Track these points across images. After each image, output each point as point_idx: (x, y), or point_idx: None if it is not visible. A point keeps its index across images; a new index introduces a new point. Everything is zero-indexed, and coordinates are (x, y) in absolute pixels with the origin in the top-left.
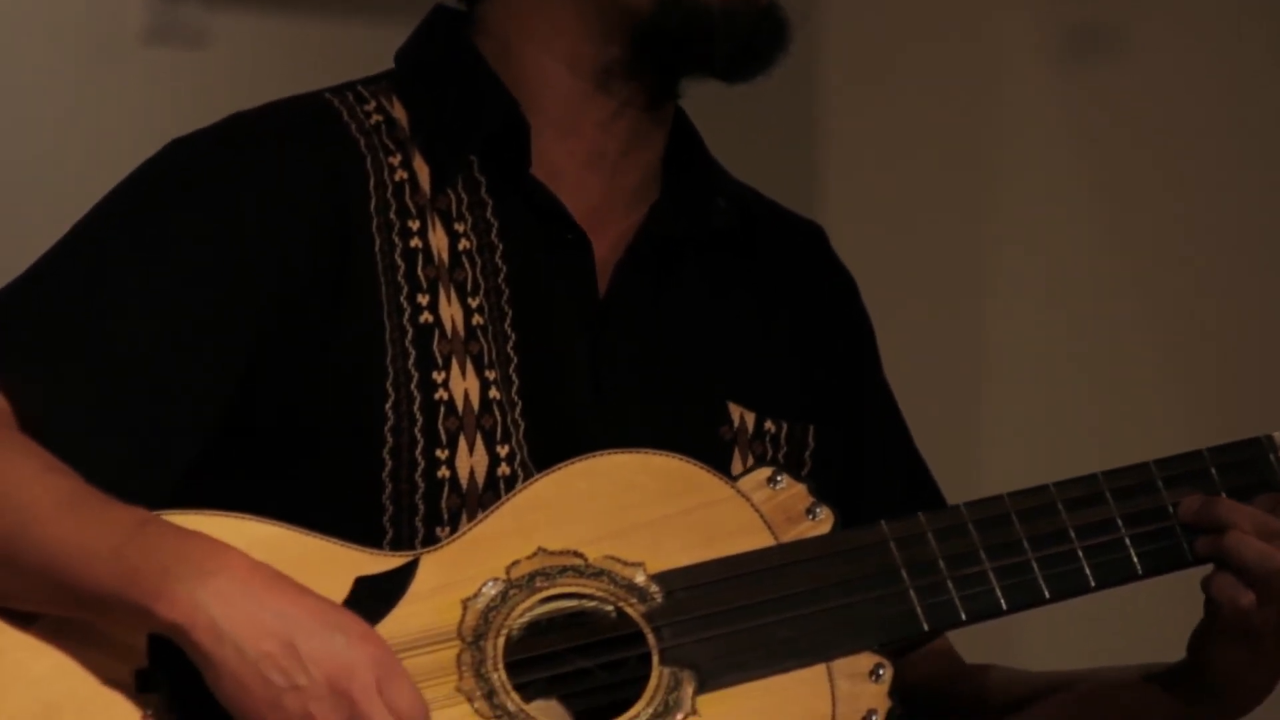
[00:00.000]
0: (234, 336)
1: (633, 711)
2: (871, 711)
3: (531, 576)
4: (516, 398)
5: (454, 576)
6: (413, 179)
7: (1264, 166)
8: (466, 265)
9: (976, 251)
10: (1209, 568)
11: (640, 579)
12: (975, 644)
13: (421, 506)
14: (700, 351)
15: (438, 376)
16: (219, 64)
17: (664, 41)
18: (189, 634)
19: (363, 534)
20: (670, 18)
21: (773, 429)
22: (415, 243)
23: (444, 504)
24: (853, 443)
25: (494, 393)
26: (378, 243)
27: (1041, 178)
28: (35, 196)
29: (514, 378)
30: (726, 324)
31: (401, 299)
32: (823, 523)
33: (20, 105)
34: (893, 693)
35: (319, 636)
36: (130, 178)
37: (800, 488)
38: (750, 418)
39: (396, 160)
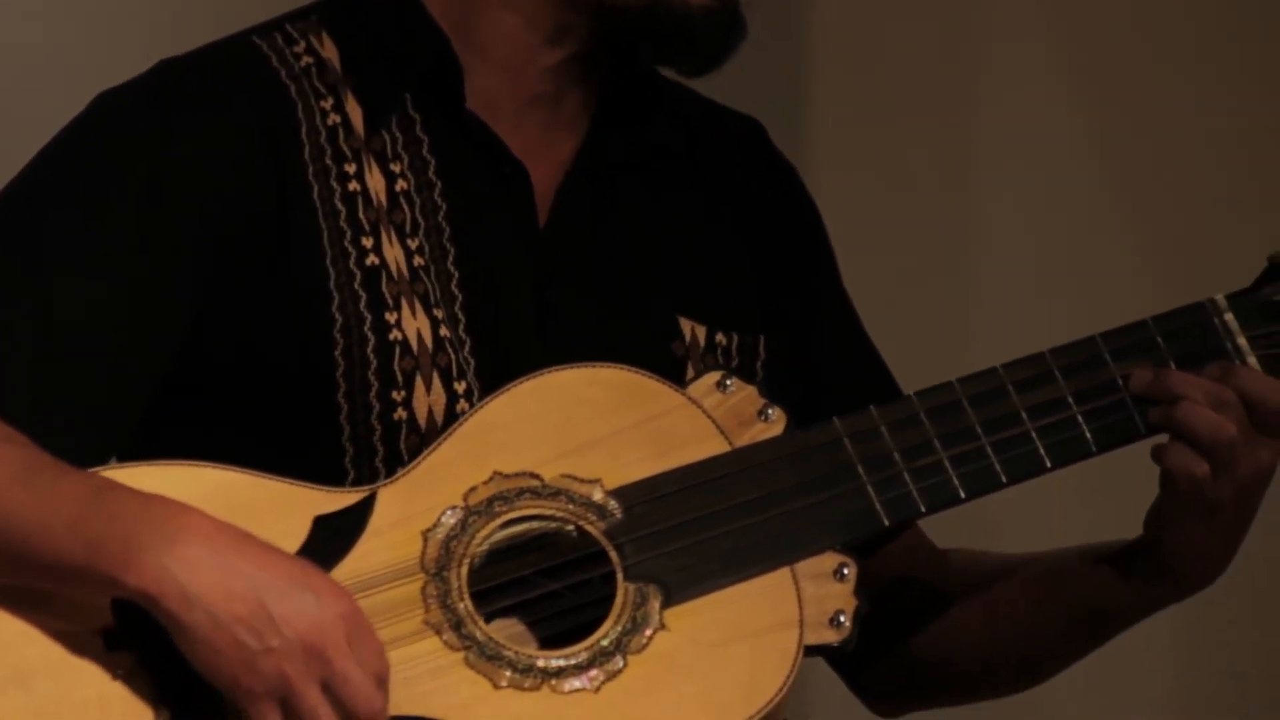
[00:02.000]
0: (175, 290)
1: (601, 630)
2: (839, 612)
3: (490, 502)
4: (464, 335)
5: (412, 509)
6: (345, 121)
7: (1243, 72)
8: (404, 206)
9: (964, 152)
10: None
11: (598, 496)
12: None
13: (381, 448)
14: (647, 269)
15: (390, 317)
16: None
17: (645, 37)
18: (159, 602)
19: (326, 477)
20: (658, 21)
21: (724, 341)
22: (353, 186)
23: (403, 444)
24: (805, 343)
25: (444, 331)
26: (315, 189)
27: (1026, 87)
28: None
29: (460, 315)
30: (673, 238)
31: (346, 243)
32: (775, 424)
33: None
34: (858, 591)
35: (289, 596)
36: (61, 135)
37: (750, 390)
38: (701, 331)
39: (328, 104)
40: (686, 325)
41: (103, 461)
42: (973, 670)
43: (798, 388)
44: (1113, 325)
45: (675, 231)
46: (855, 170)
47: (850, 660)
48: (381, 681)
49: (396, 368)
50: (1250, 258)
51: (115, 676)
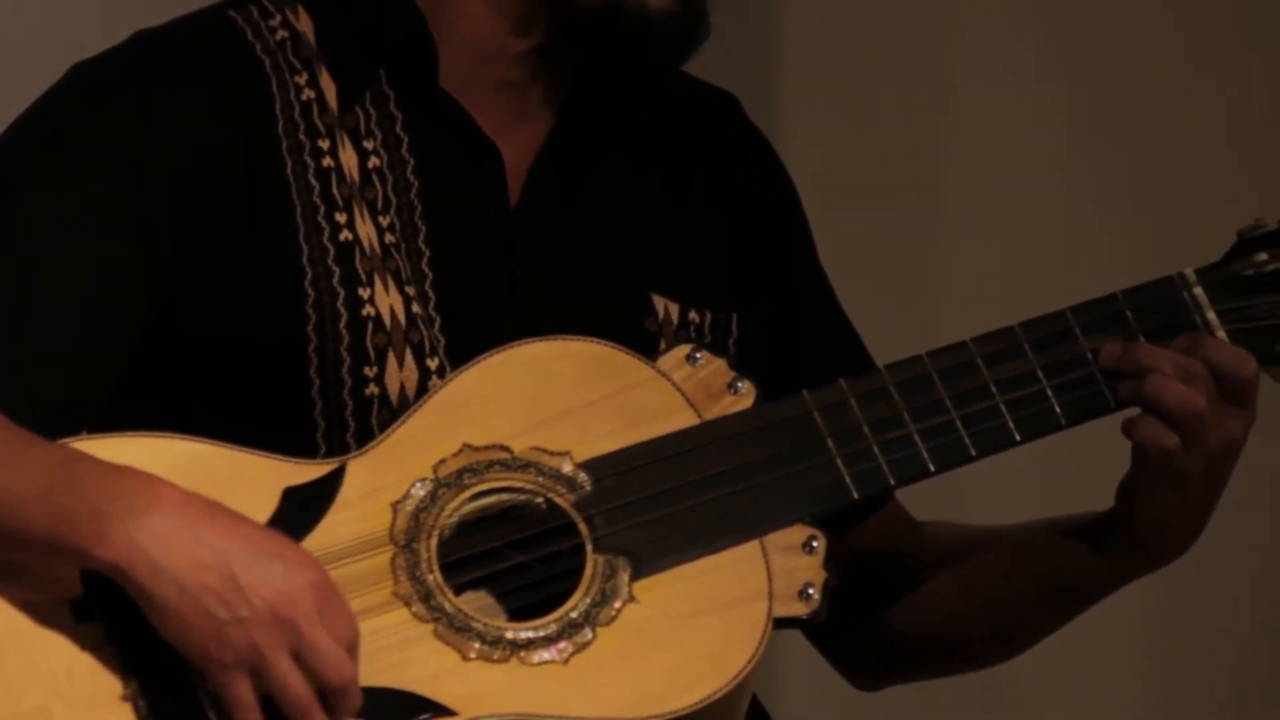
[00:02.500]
0: (146, 264)
1: (570, 602)
2: (808, 585)
3: (459, 474)
4: (434, 313)
5: (381, 480)
6: (320, 97)
7: (1212, 42)
8: (377, 183)
9: (934, 124)
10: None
11: (568, 468)
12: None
13: (353, 423)
14: (620, 246)
15: (363, 293)
16: None
17: (603, 37)
18: (128, 574)
19: (298, 451)
20: (612, 25)
21: (696, 319)
22: (327, 162)
23: (375, 420)
24: (781, 320)
25: (416, 308)
26: (289, 165)
27: (998, 57)
28: None
29: (430, 294)
30: (646, 214)
31: (320, 218)
32: (745, 396)
33: None
34: (828, 563)
35: (258, 566)
36: (35, 106)
37: (720, 363)
38: (674, 309)
39: (303, 79)
40: (659, 302)
41: (74, 434)
42: (947, 642)
43: (773, 365)
44: (1083, 299)
45: (648, 209)
46: (825, 142)
47: (828, 634)
48: (352, 650)
49: (369, 343)
50: (1220, 234)
51: (84, 648)
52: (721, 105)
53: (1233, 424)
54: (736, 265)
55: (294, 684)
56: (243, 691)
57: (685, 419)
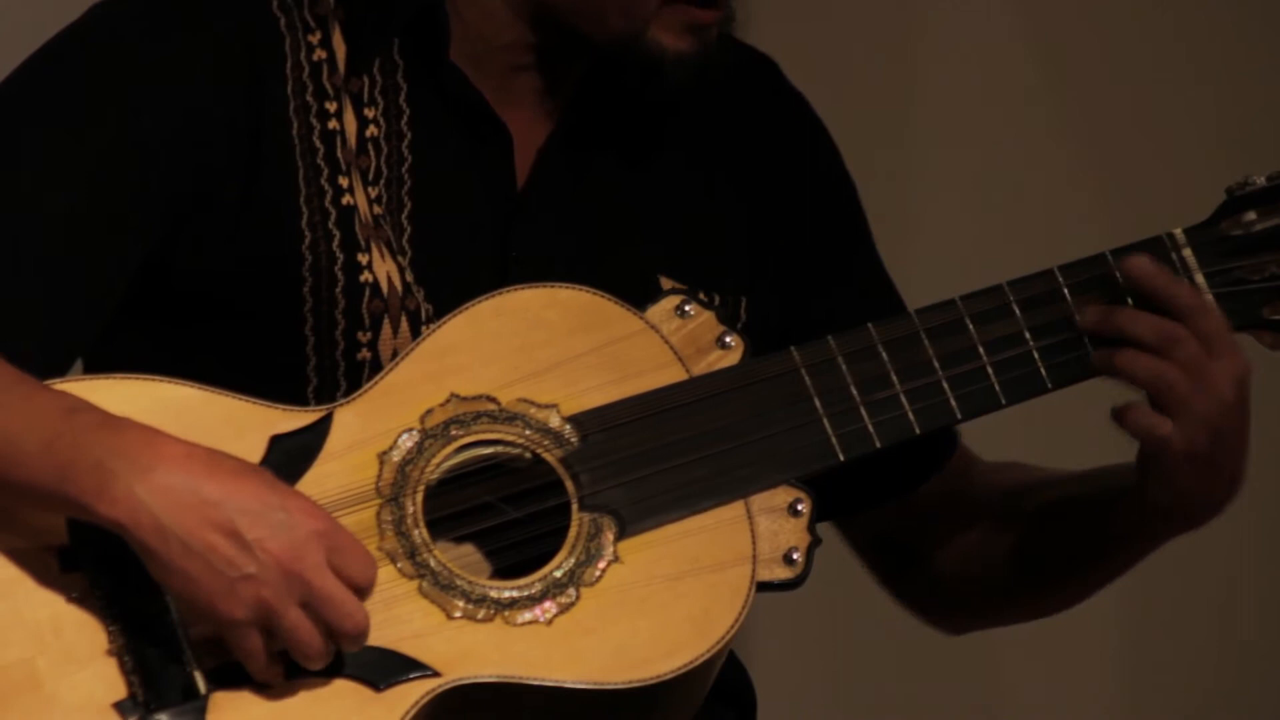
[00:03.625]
0: (144, 204)
1: (555, 561)
2: (792, 549)
3: (446, 425)
4: (417, 287)
5: (369, 430)
6: (330, 59)
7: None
8: (371, 152)
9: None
10: None
11: (555, 422)
12: None
13: (344, 383)
14: (630, 228)
15: (362, 259)
16: None
17: (616, 63)
18: (132, 532)
19: (289, 403)
20: (624, 53)
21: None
22: (333, 125)
23: (365, 383)
24: (824, 281)
25: (409, 276)
26: (295, 125)
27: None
28: None
29: (408, 269)
30: (660, 194)
31: (323, 181)
32: (733, 351)
33: None
34: (813, 527)
35: (263, 520)
36: (52, 43)
37: (709, 315)
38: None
39: (315, 39)
40: (667, 285)
41: (64, 372)
42: (996, 590)
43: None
44: (1047, 242)
45: (664, 186)
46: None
47: (900, 587)
48: (369, 590)
49: (365, 309)
50: (1196, 189)
51: (69, 599)
52: (760, 71)
53: (1219, 380)
54: (754, 247)
55: (305, 635)
56: (254, 645)
57: (673, 373)
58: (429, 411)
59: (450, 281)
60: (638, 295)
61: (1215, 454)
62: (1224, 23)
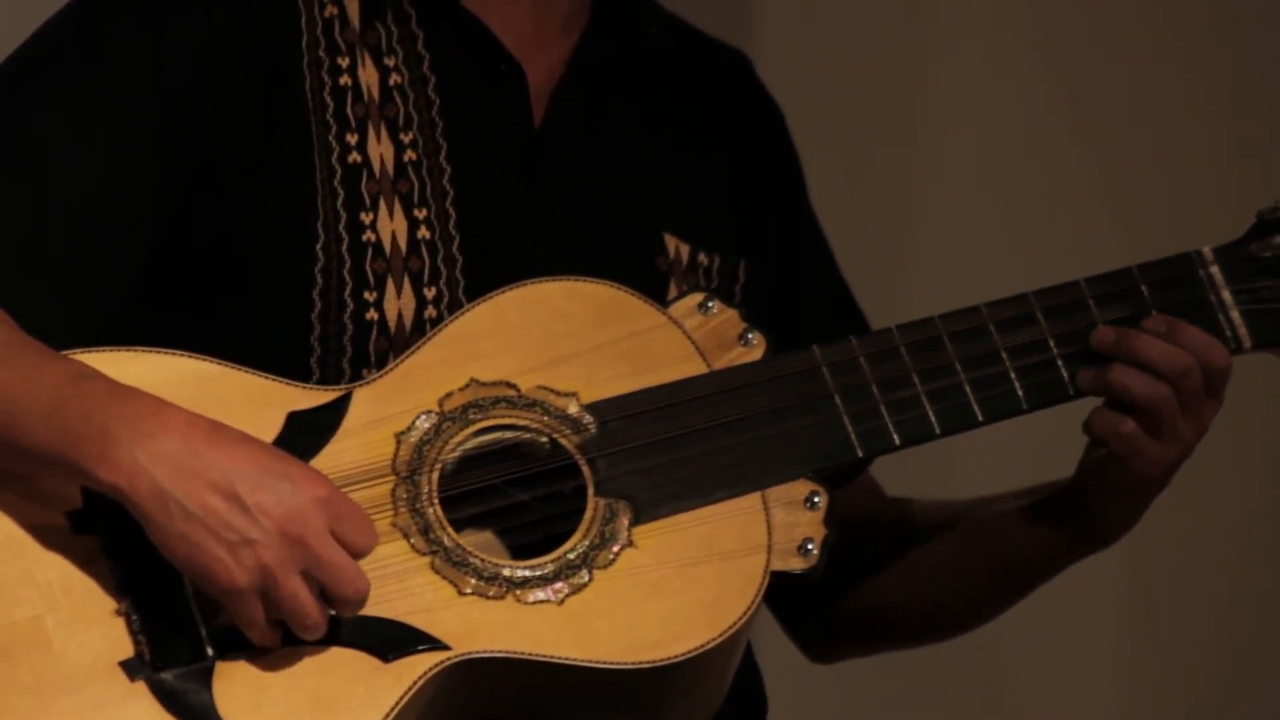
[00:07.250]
0: (166, 164)
1: (569, 544)
2: (807, 540)
3: (464, 409)
4: (454, 232)
5: (387, 410)
6: (343, 14)
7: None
8: (398, 100)
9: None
10: None
11: (574, 409)
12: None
13: (349, 348)
14: (636, 181)
15: (365, 218)
16: None
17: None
18: (130, 497)
19: (290, 374)
20: None
21: (705, 261)
22: (344, 80)
23: (371, 346)
24: (782, 274)
25: (423, 232)
26: (308, 80)
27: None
28: None
29: (450, 211)
30: (661, 153)
31: (330, 138)
32: (755, 349)
33: None
34: (828, 520)
35: (264, 486)
36: (67, 7)
37: (732, 313)
38: (685, 249)
39: None
40: (671, 242)
41: (83, 340)
42: (889, 616)
43: (773, 315)
44: (1060, 259)
45: (664, 147)
46: (801, 62)
47: (791, 605)
48: (366, 556)
49: (369, 268)
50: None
51: (79, 561)
52: (732, 63)
53: (1206, 418)
54: (742, 216)
55: (304, 603)
56: (254, 612)
57: (694, 367)
58: (448, 395)
59: (486, 219)
60: (644, 250)
61: (1161, 484)
62: (1231, 24)
